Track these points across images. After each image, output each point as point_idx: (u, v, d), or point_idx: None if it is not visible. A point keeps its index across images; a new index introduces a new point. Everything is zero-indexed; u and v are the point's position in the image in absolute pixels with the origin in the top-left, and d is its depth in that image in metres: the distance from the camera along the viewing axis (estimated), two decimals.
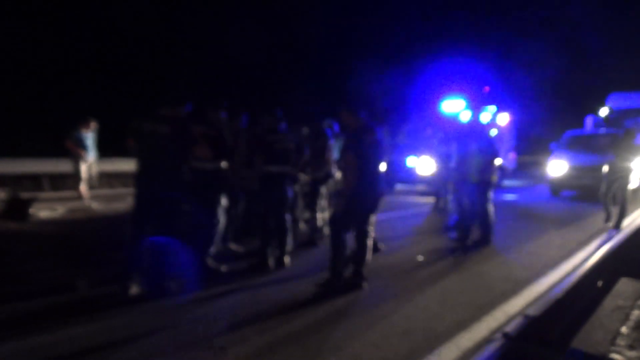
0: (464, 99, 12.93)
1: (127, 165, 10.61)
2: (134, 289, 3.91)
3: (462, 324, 3.46)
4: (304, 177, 5.97)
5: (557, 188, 12.49)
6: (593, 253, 4.16)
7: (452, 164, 7.21)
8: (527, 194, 13.72)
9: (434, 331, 3.35)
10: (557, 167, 12.13)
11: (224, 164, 4.69)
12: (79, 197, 9.23)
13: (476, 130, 6.40)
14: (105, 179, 10.96)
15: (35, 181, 11.14)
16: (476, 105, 13.47)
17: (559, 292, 2.38)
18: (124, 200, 9.14)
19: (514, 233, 7.25)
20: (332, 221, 4.28)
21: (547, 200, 11.99)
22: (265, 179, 4.94)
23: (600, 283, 3.59)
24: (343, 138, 4.58)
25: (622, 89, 14.24)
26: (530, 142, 21.52)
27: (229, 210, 5.01)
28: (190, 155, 4.21)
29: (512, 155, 15.30)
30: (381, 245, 5.59)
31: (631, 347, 3.16)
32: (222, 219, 4.69)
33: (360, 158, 4.04)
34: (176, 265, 4.42)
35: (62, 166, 11.50)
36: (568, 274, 4.52)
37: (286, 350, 3.03)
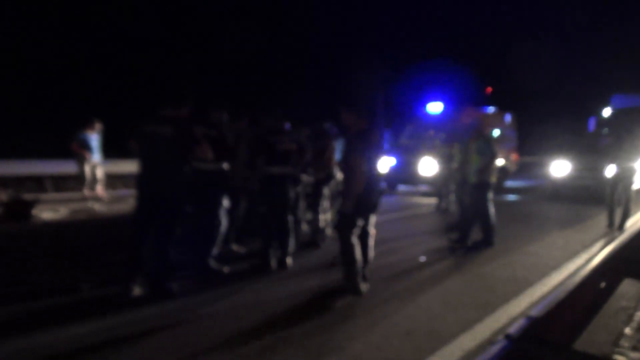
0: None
1: (130, 166, 10.64)
2: (137, 290, 3.91)
3: (465, 325, 3.45)
4: (306, 178, 5.96)
5: (559, 189, 12.45)
6: (596, 254, 4.15)
7: (455, 165, 7.21)
8: (529, 195, 13.68)
9: (436, 332, 3.34)
10: (559, 167, 12.10)
11: (225, 165, 4.69)
12: (92, 197, 9.25)
13: (474, 130, 6.38)
14: (107, 181, 10.96)
15: (37, 182, 11.16)
16: (476, 106, 13.55)
17: (561, 293, 2.37)
18: (126, 202, 9.16)
19: (516, 234, 7.23)
20: (341, 226, 4.18)
21: (549, 201, 11.95)
22: (267, 180, 4.94)
23: (603, 284, 3.58)
24: (345, 139, 4.52)
25: (625, 90, 14.19)
26: (532, 143, 21.45)
27: (230, 212, 5.00)
28: (192, 156, 4.20)
29: (514, 156, 15.27)
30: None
31: (635, 348, 3.14)
32: (224, 220, 4.69)
33: (365, 161, 3.99)
34: (178, 267, 4.43)
35: (64, 167, 11.54)
36: (571, 275, 4.52)
37: (288, 351, 3.02)
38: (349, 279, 4.07)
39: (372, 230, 4.37)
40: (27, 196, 8.16)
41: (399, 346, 3.12)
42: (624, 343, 3.25)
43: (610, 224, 7.59)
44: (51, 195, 10.46)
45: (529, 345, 1.77)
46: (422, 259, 5.50)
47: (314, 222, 6.19)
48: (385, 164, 12.30)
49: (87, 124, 9.10)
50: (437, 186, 10.31)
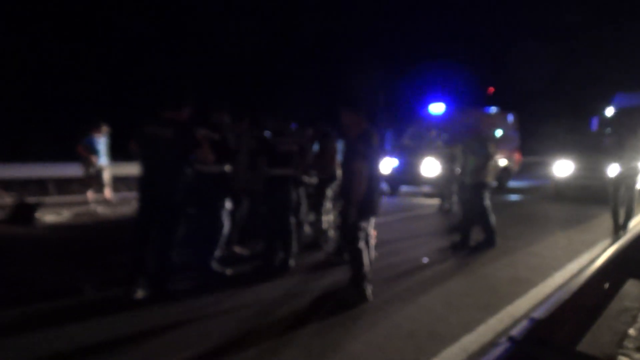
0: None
1: (132, 168, 10.68)
2: (139, 293, 3.92)
3: (468, 326, 3.45)
4: (310, 180, 5.96)
5: (562, 189, 12.42)
6: (599, 254, 4.13)
7: (457, 165, 7.21)
8: (532, 195, 13.65)
9: (438, 333, 3.33)
10: (562, 167, 12.07)
11: (227, 167, 4.69)
12: (96, 200, 9.26)
13: (471, 130, 6.37)
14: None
15: (40, 185, 11.21)
16: (477, 106, 13.55)
17: (565, 294, 2.36)
18: (129, 204, 9.18)
19: (518, 234, 7.21)
20: (347, 233, 4.13)
21: (552, 201, 11.92)
22: (269, 181, 4.95)
23: (606, 285, 3.56)
24: (345, 142, 4.45)
25: (628, 88, 14.15)
26: (535, 142, 21.43)
27: (233, 213, 5.01)
28: (192, 158, 4.21)
29: (516, 156, 15.25)
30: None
31: (639, 349, 3.13)
32: (226, 222, 4.69)
33: (368, 164, 3.93)
34: (181, 269, 4.44)
35: (67, 170, 11.58)
36: (574, 276, 4.50)
37: (290, 352, 3.02)
38: (356, 284, 4.01)
39: (372, 231, 4.36)
40: (31, 199, 8.18)
41: (401, 347, 3.12)
42: (628, 344, 3.24)
43: (616, 228, 7.41)
44: (54, 198, 10.50)
45: (532, 347, 1.76)
46: (425, 260, 5.49)
47: (316, 224, 6.19)
48: (387, 165, 12.30)
49: (94, 127, 9.11)
50: (440, 187, 10.30)
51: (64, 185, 11.64)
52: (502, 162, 14.02)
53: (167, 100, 4.07)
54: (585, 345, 2.85)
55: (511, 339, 1.69)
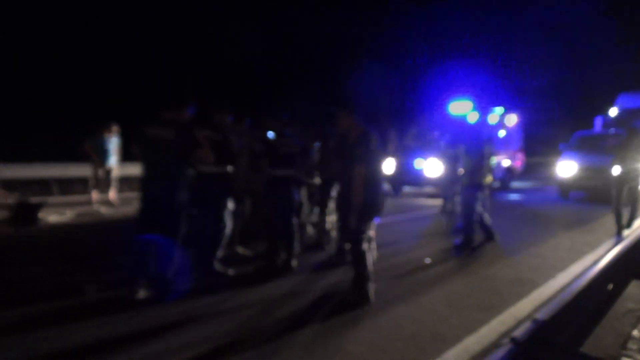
0: (471, 100, 12.88)
1: (135, 169, 10.70)
2: (142, 293, 3.92)
3: (470, 328, 3.43)
4: (313, 180, 5.95)
5: (566, 189, 12.38)
6: (603, 255, 4.11)
7: (459, 166, 7.19)
8: (535, 195, 13.62)
9: (441, 335, 3.32)
10: (566, 168, 12.03)
11: (229, 168, 4.69)
12: (101, 201, 9.28)
13: (468, 131, 6.37)
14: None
15: (44, 186, 11.24)
16: (477, 106, 13.45)
17: (568, 295, 2.34)
18: (132, 204, 9.18)
19: (522, 235, 7.19)
20: (350, 236, 4.12)
21: (555, 201, 11.89)
22: (272, 182, 4.94)
23: (610, 286, 3.55)
24: (343, 145, 4.39)
25: (631, 88, 14.10)
26: (538, 143, 21.39)
27: (235, 214, 5.01)
28: (194, 159, 4.20)
29: (520, 156, 15.21)
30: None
31: None
32: (228, 222, 4.69)
33: (367, 167, 3.87)
34: (183, 269, 4.43)
35: (70, 171, 11.61)
36: (577, 277, 4.47)
37: (292, 353, 3.02)
38: (359, 286, 3.99)
39: (372, 232, 4.33)
40: (34, 199, 8.21)
41: (403, 349, 3.11)
42: (632, 345, 3.22)
43: (619, 229, 7.34)
44: (57, 199, 10.53)
45: (535, 348, 1.75)
46: (427, 260, 5.47)
47: (320, 224, 6.18)
48: (389, 165, 12.28)
49: (104, 128, 9.12)
50: (442, 187, 10.28)
51: (67, 186, 11.67)
52: (506, 162, 13.99)
53: (168, 100, 4.07)
54: (588, 346, 2.84)
55: (513, 341, 1.68)
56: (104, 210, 9.03)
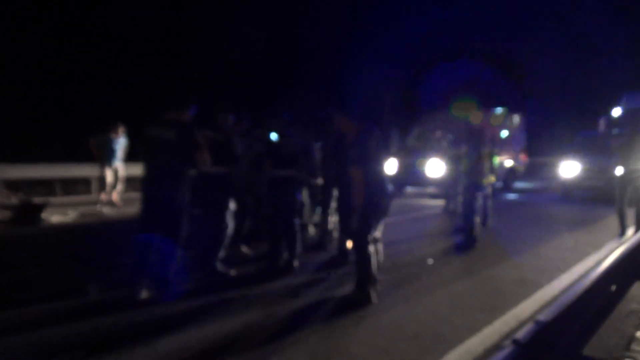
0: (475, 101, 12.88)
1: (138, 169, 10.71)
2: (144, 294, 3.92)
3: (473, 329, 3.42)
4: (316, 181, 5.95)
5: (569, 190, 12.34)
6: (606, 256, 4.08)
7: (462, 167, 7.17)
8: (538, 196, 13.58)
9: (443, 336, 3.31)
10: (569, 168, 11.99)
11: (231, 169, 4.69)
12: (109, 202, 9.29)
13: (470, 131, 6.36)
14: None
15: (47, 186, 11.27)
16: (480, 107, 13.41)
17: (571, 296, 2.33)
18: (135, 205, 9.19)
19: (525, 235, 7.17)
20: (354, 238, 4.10)
21: (559, 202, 11.85)
22: (274, 182, 4.94)
23: (613, 287, 3.52)
24: (340, 147, 4.34)
25: (636, 88, 14.03)
26: (542, 143, 21.30)
27: (238, 214, 5.01)
28: (195, 160, 4.19)
29: (523, 157, 15.16)
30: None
31: None
32: (230, 223, 4.70)
33: (364, 168, 3.81)
34: (184, 270, 4.44)
35: (73, 171, 11.65)
36: (581, 278, 4.45)
37: (293, 353, 3.02)
38: (361, 287, 3.97)
39: (378, 234, 4.31)
40: (37, 200, 8.23)
41: (406, 350, 3.10)
42: (636, 347, 3.20)
43: (623, 229, 7.29)
44: (60, 199, 10.56)
45: (537, 350, 1.74)
46: (430, 261, 5.46)
47: (323, 224, 6.17)
48: (392, 165, 12.26)
49: (111, 128, 9.14)
50: (445, 188, 10.26)
51: (70, 186, 11.70)
52: (508, 163, 13.95)
53: (169, 101, 4.07)
54: (591, 348, 2.82)
55: (515, 342, 1.67)
56: (106, 210, 9.06)
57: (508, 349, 1.65)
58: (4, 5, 17.18)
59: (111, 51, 20.68)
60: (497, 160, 7.88)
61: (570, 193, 12.38)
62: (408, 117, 14.47)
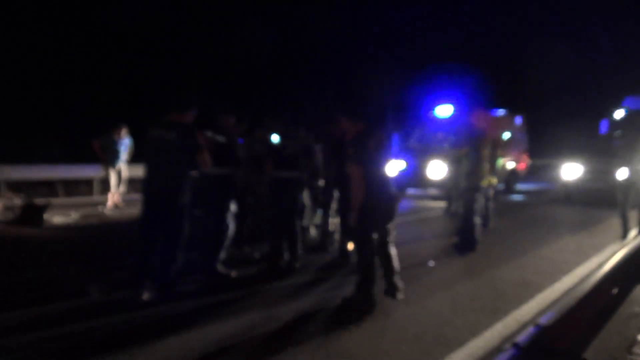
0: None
1: (139, 170, 10.73)
2: (146, 295, 3.93)
3: (474, 331, 3.42)
4: (318, 182, 5.95)
5: (571, 192, 12.32)
6: (608, 258, 4.07)
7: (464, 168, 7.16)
8: (540, 198, 13.55)
9: (445, 338, 3.31)
10: (571, 170, 11.97)
11: (232, 170, 4.69)
12: (114, 203, 9.30)
13: (470, 133, 6.35)
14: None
15: (49, 187, 11.30)
16: (477, 108, 13.41)
17: (572, 299, 2.32)
18: (136, 206, 9.20)
19: (527, 237, 7.16)
20: (354, 239, 4.08)
21: (560, 204, 11.82)
22: (275, 184, 4.94)
23: (615, 290, 3.51)
24: (341, 146, 4.32)
25: (638, 91, 14.00)
26: (543, 145, 21.26)
27: (240, 215, 5.01)
28: (196, 161, 4.20)
29: (524, 159, 15.14)
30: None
31: None
32: (231, 224, 4.70)
33: (365, 167, 3.77)
34: (186, 271, 4.44)
35: (76, 172, 11.67)
36: (582, 280, 4.44)
37: (295, 356, 3.01)
38: (363, 289, 3.93)
39: (392, 239, 4.14)
40: (39, 201, 8.24)
41: (407, 352, 3.10)
42: (637, 350, 3.19)
43: (625, 232, 7.23)
44: (62, 200, 10.58)
45: (538, 354, 1.74)
46: (431, 263, 5.45)
47: (324, 226, 6.17)
48: (394, 167, 12.25)
49: (114, 129, 9.15)
50: (447, 189, 10.25)
51: (73, 187, 11.72)
52: (510, 164, 13.93)
53: (171, 102, 4.08)
54: (593, 351, 2.80)
55: (516, 346, 1.67)
56: (108, 211, 9.07)
57: (508, 352, 1.65)
58: (6, 5, 17.24)
59: (113, 52, 20.74)
60: (500, 162, 7.87)
61: (571, 195, 12.35)
62: (410, 118, 14.43)
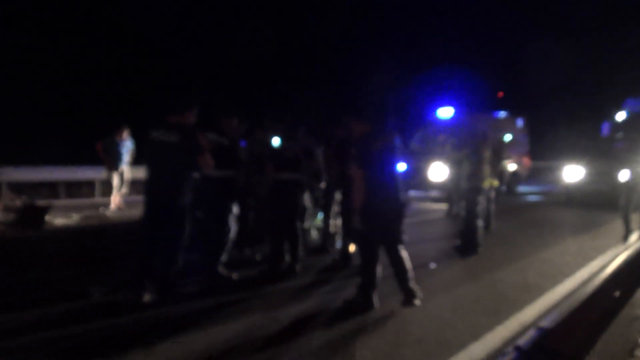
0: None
1: (141, 172, 10.74)
2: (147, 297, 3.92)
3: (475, 334, 3.41)
4: (319, 184, 5.94)
5: (573, 194, 12.29)
6: (611, 261, 4.06)
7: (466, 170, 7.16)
8: (542, 200, 13.53)
9: (446, 340, 3.30)
10: (573, 172, 11.95)
11: (234, 172, 4.69)
12: (114, 205, 9.31)
13: (471, 135, 6.35)
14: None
15: (51, 188, 11.31)
16: (488, 110, 13.44)
17: (574, 302, 2.31)
18: (138, 208, 9.21)
19: (528, 240, 7.14)
20: (357, 241, 4.07)
21: (562, 206, 11.80)
22: (276, 186, 4.94)
23: (617, 292, 3.50)
24: (346, 147, 4.31)
25: (639, 93, 13.98)
26: (545, 147, 21.23)
27: (241, 217, 5.00)
28: (197, 163, 4.20)
29: (526, 161, 15.12)
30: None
31: None
32: (232, 226, 4.70)
33: (368, 169, 3.74)
34: (187, 273, 4.44)
35: (77, 174, 11.69)
36: (584, 283, 4.43)
37: (296, 358, 3.01)
38: (364, 291, 3.92)
39: (402, 242, 4.06)
40: (41, 202, 8.26)
41: (408, 354, 3.09)
42: None
43: (627, 234, 7.22)
44: (64, 202, 10.59)
45: (540, 356, 1.73)
46: (433, 265, 5.44)
47: (324, 228, 6.17)
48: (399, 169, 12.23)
49: (116, 131, 9.17)
50: (448, 192, 10.24)
51: (74, 189, 11.74)
52: (512, 166, 13.92)
53: (173, 104, 4.08)
54: (595, 354, 2.80)
55: (518, 349, 1.66)
56: (109, 213, 9.07)
57: (510, 355, 1.64)
58: (7, 6, 17.30)
59: (115, 53, 20.78)
60: (505, 164, 7.86)
61: (573, 197, 12.32)
62: (411, 120, 14.44)
